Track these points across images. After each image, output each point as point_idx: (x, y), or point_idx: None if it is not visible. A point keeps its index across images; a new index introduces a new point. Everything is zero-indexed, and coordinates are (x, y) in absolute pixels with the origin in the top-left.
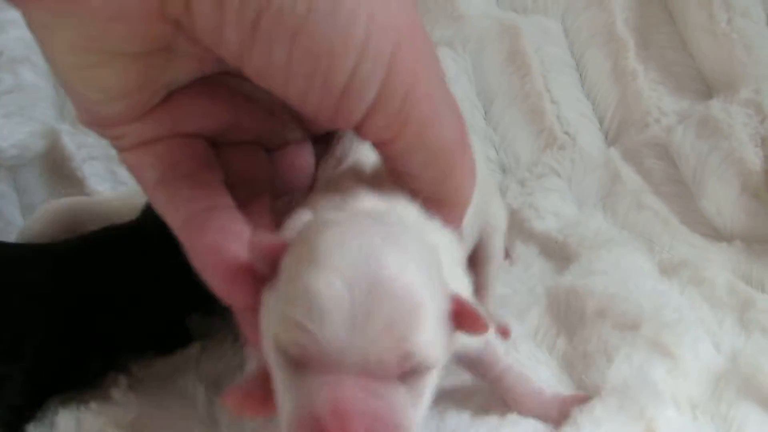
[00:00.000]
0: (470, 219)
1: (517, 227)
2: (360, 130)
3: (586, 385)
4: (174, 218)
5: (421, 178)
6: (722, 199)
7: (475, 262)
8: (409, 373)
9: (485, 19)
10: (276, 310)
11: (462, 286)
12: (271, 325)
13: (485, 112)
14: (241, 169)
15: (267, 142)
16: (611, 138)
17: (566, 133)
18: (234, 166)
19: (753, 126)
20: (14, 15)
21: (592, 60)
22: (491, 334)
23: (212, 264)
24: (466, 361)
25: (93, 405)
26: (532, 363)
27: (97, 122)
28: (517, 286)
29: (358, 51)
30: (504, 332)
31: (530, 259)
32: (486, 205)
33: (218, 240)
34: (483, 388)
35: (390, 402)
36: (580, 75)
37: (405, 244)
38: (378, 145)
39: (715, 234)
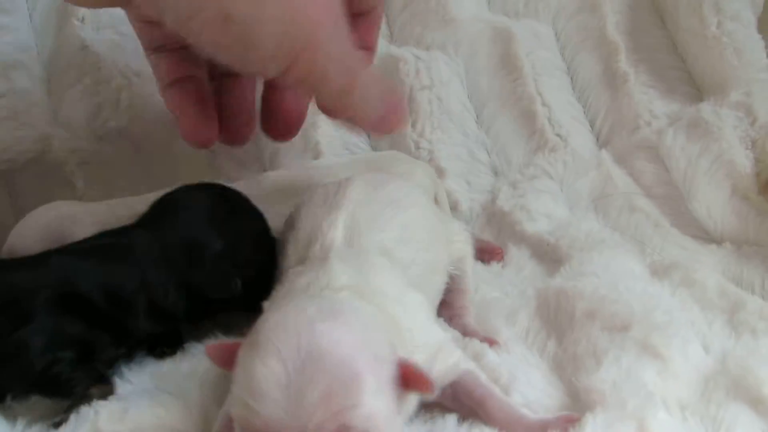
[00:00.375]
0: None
1: (509, 229)
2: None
3: (576, 387)
4: (160, 79)
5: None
6: (712, 202)
7: (452, 287)
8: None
9: (477, 23)
10: (232, 392)
11: (433, 339)
12: (231, 404)
13: (477, 116)
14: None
15: None
16: (602, 140)
17: (558, 135)
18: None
19: (743, 128)
20: (7, 19)
21: (583, 63)
22: (468, 363)
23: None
24: (446, 395)
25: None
26: (523, 365)
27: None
28: (509, 289)
29: (266, 61)
30: (491, 342)
31: (522, 262)
32: (442, 246)
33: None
34: None
35: None
36: (571, 78)
37: (343, 318)
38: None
39: (706, 236)
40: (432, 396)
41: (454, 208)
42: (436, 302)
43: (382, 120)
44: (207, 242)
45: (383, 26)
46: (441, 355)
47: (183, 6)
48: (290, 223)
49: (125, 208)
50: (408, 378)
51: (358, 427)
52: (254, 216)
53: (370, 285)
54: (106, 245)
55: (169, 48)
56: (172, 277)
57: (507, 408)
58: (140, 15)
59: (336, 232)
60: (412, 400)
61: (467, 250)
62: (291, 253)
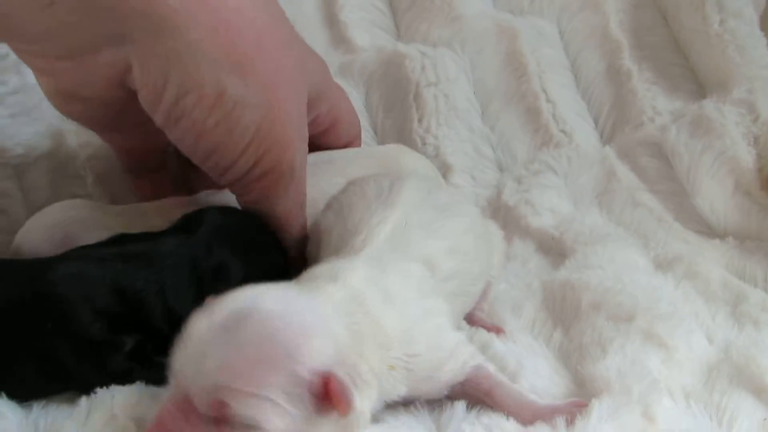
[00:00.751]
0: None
1: (514, 224)
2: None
3: (582, 375)
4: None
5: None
6: (715, 197)
7: None
8: (223, 420)
9: (483, 20)
10: None
11: (446, 344)
12: None
13: (482, 112)
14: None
15: None
16: (606, 137)
17: (562, 131)
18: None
19: (745, 125)
20: None
21: (586, 61)
22: (477, 358)
23: None
24: (456, 391)
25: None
26: (529, 355)
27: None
28: (514, 281)
29: (241, 152)
30: (497, 331)
31: (527, 255)
32: (486, 257)
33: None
34: None
35: None
36: (575, 75)
37: (289, 309)
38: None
39: (709, 231)
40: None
41: None
42: (470, 308)
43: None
44: (233, 268)
45: (390, 24)
46: (452, 358)
47: (186, 80)
48: (335, 210)
49: (137, 213)
50: (326, 392)
51: (237, 411)
52: (276, 251)
53: (385, 287)
54: (145, 252)
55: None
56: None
57: (515, 395)
58: (122, 144)
59: (384, 229)
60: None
61: (501, 250)
62: (331, 240)
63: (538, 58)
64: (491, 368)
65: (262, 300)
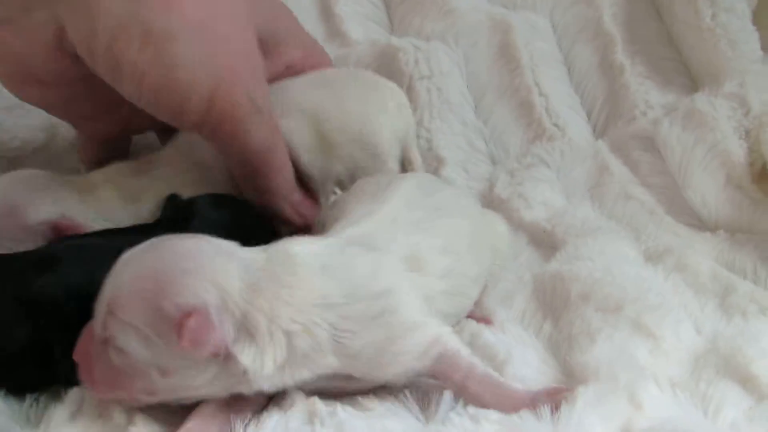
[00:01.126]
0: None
1: (506, 217)
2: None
3: (570, 365)
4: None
5: (237, 173)
6: (707, 190)
7: None
8: (107, 341)
9: (476, 14)
10: None
11: (410, 319)
12: None
13: (476, 105)
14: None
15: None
16: (599, 130)
17: (555, 125)
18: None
19: (737, 119)
20: None
21: (579, 55)
22: (443, 345)
23: None
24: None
25: None
26: (518, 345)
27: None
28: (506, 274)
29: (185, 90)
30: (487, 321)
31: (519, 248)
32: (487, 257)
33: None
34: None
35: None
36: (568, 69)
37: (172, 254)
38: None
39: (700, 224)
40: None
41: None
42: (469, 308)
43: None
44: None
45: (384, 17)
46: (402, 343)
47: (110, 23)
48: (334, 205)
49: (88, 184)
50: (180, 327)
51: (114, 335)
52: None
53: (332, 263)
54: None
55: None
56: None
57: (492, 386)
58: (94, 133)
59: (367, 221)
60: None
61: (506, 242)
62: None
63: (531, 52)
64: (462, 358)
65: (174, 241)
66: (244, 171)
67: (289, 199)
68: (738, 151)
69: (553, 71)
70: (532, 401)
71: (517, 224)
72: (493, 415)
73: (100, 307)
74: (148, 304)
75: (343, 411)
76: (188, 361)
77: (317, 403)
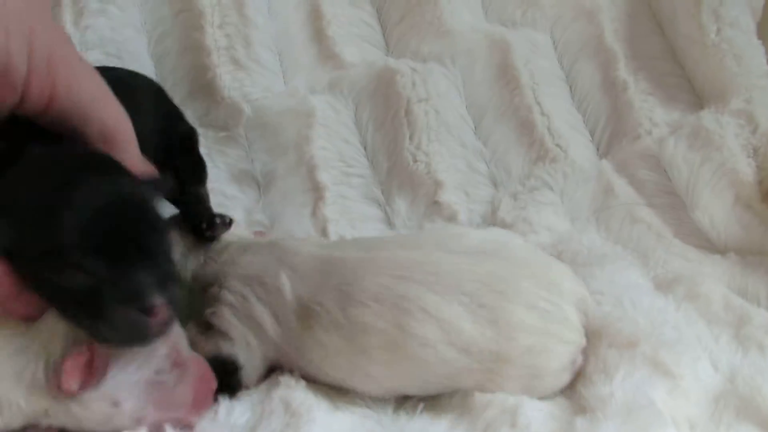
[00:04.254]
0: None
1: None
2: (22, 109)
3: (587, 404)
4: None
5: (85, 131)
6: (715, 211)
7: None
8: None
9: (474, 34)
10: None
11: None
12: None
13: (475, 127)
14: None
15: None
16: (603, 150)
17: (557, 145)
18: None
19: (745, 136)
20: None
21: (581, 72)
22: None
23: None
24: None
25: None
26: None
27: None
28: None
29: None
30: None
31: None
32: None
33: None
34: None
35: None
36: (570, 87)
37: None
38: (43, 119)
39: (709, 246)
40: None
41: (452, 219)
42: None
43: None
44: None
45: (380, 38)
46: None
47: None
48: None
49: None
50: None
51: None
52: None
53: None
54: None
55: None
56: None
57: None
58: None
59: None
60: None
61: None
62: None
63: (532, 71)
64: None
65: None
66: (90, 127)
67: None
68: (746, 169)
69: (555, 90)
70: None
71: None
72: None
73: None
74: None
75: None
76: None
77: None
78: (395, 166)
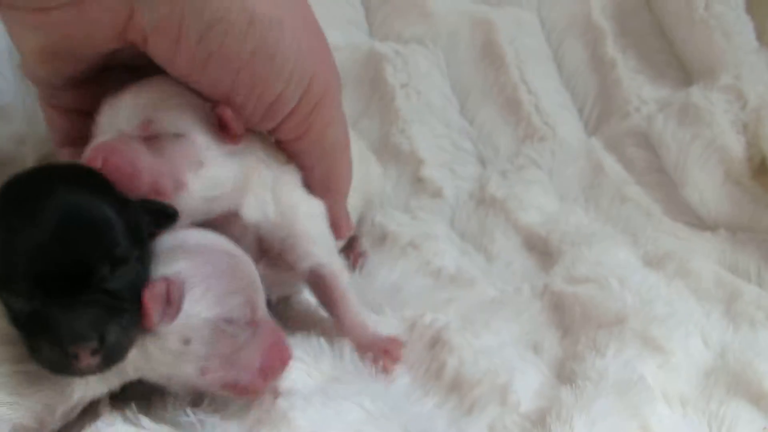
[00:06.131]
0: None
1: (497, 218)
2: (274, 132)
3: (577, 383)
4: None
5: (315, 170)
6: (705, 188)
7: None
8: (153, 138)
9: (456, 14)
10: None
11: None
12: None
13: (461, 106)
14: None
15: None
16: (591, 128)
17: (546, 123)
18: None
19: (734, 112)
20: None
21: (569, 50)
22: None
23: None
24: (312, 281)
25: None
26: (520, 363)
27: (35, 80)
28: (501, 286)
29: (286, 81)
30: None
31: (511, 255)
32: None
33: None
34: None
35: (128, 150)
36: (558, 65)
37: None
38: (285, 143)
39: (699, 223)
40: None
41: (437, 195)
42: None
43: None
44: None
45: (362, 20)
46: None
47: (206, 10)
48: None
49: None
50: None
51: (158, 124)
52: None
53: None
54: None
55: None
56: None
57: (354, 316)
58: (76, 106)
59: None
60: None
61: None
62: None
63: (517, 49)
64: (343, 282)
65: None
66: (321, 167)
67: (345, 201)
68: (736, 146)
69: (542, 68)
70: (371, 343)
71: (511, 227)
72: None
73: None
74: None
75: None
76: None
77: None
78: (380, 148)
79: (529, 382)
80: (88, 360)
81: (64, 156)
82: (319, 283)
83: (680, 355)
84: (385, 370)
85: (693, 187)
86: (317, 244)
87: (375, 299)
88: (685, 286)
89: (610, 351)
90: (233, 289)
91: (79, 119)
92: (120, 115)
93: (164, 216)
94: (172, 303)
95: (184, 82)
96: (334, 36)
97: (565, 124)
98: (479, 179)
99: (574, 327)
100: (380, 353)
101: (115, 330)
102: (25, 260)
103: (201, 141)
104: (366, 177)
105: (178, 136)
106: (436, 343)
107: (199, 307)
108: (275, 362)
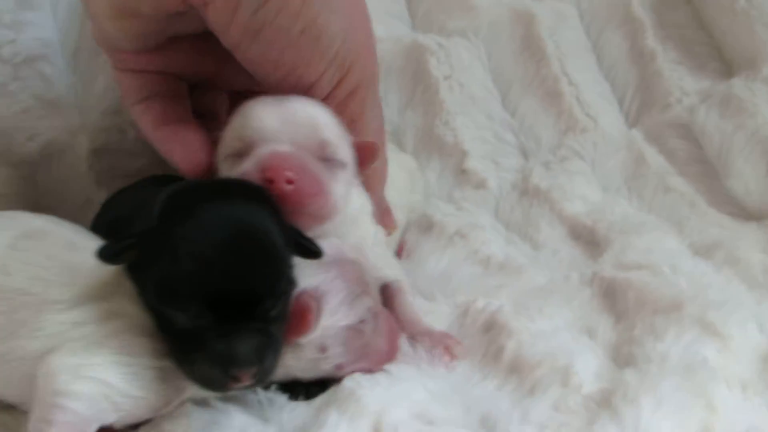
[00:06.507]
0: None
1: (542, 209)
2: None
3: (639, 366)
4: (147, 125)
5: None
6: (750, 179)
7: None
8: (327, 160)
9: (497, 7)
10: (223, 144)
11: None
12: (222, 151)
13: (502, 99)
14: (205, 105)
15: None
16: (632, 119)
17: (587, 115)
18: (204, 103)
19: None
20: (32, 15)
21: (609, 42)
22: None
23: (178, 155)
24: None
25: None
26: (576, 347)
27: (107, 47)
28: (549, 274)
29: (327, 63)
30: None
31: (557, 244)
32: None
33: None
34: None
35: (317, 170)
36: (597, 57)
37: None
38: None
39: (744, 214)
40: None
41: (481, 186)
42: None
43: None
44: None
45: (405, 13)
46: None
47: None
48: None
49: None
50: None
51: (332, 147)
52: None
53: None
54: None
55: (157, 94)
56: None
57: (411, 313)
58: (153, 66)
59: None
60: None
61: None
62: None
63: (558, 41)
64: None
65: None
66: None
67: (383, 193)
68: None
69: (582, 60)
70: (431, 337)
71: (556, 217)
72: None
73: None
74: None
75: None
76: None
77: None
78: (423, 139)
79: (588, 365)
80: (247, 382)
81: (136, 113)
82: (384, 290)
83: (738, 340)
84: (444, 364)
85: (737, 178)
86: (383, 268)
87: (426, 287)
88: (734, 274)
89: (670, 335)
90: (360, 293)
91: (150, 78)
92: (296, 127)
93: (308, 252)
94: (316, 317)
95: (233, 52)
96: (377, 29)
97: (606, 115)
98: (522, 170)
99: (629, 313)
100: (437, 344)
101: (272, 355)
102: (199, 280)
103: (353, 173)
104: (411, 193)
105: (344, 165)
106: (491, 327)
107: (335, 318)
108: (394, 344)
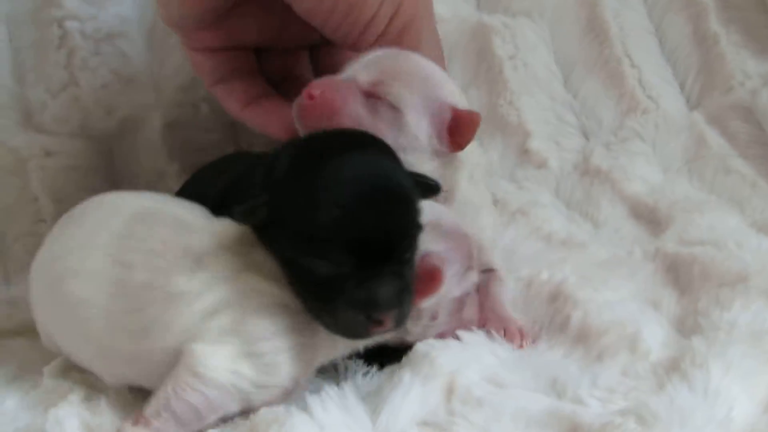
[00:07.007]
0: None
1: (603, 188)
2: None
3: (708, 333)
4: (233, 105)
5: None
6: None
7: None
8: (374, 95)
9: None
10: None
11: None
12: None
13: (565, 80)
14: (285, 69)
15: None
16: (693, 102)
17: (649, 97)
18: (278, 67)
19: None
20: None
21: (671, 25)
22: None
23: (275, 128)
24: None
25: None
26: (642, 317)
27: (173, 25)
28: (611, 249)
29: (380, 3)
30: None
31: (618, 222)
32: None
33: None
34: None
35: (347, 90)
36: (660, 40)
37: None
38: None
39: None
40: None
41: (542, 165)
42: None
43: None
44: None
45: None
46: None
47: None
48: None
49: None
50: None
51: (390, 92)
52: None
53: None
54: None
55: (239, 73)
56: None
57: (502, 302)
58: (218, 43)
59: None
60: None
61: None
62: None
63: (621, 23)
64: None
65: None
66: None
67: None
68: None
69: (644, 42)
70: (506, 320)
71: (617, 196)
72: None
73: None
74: (428, 87)
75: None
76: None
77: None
78: (486, 118)
79: (655, 334)
80: (390, 325)
81: (217, 94)
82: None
83: None
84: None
85: None
86: (492, 255)
87: None
88: None
89: (736, 306)
90: (469, 267)
91: (224, 57)
92: (361, 64)
93: (427, 189)
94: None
95: (291, 3)
96: (441, 9)
97: (668, 97)
98: (583, 151)
99: (693, 286)
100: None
101: (408, 299)
102: (340, 225)
103: (412, 125)
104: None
105: (395, 108)
106: (557, 298)
107: (449, 287)
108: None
